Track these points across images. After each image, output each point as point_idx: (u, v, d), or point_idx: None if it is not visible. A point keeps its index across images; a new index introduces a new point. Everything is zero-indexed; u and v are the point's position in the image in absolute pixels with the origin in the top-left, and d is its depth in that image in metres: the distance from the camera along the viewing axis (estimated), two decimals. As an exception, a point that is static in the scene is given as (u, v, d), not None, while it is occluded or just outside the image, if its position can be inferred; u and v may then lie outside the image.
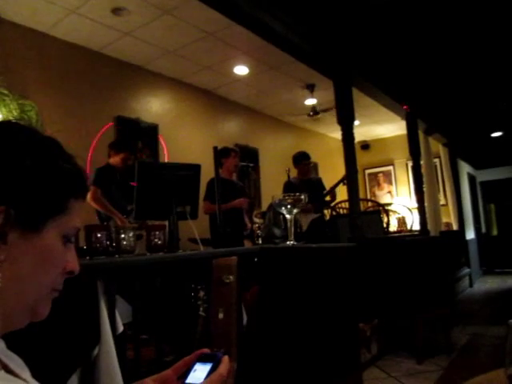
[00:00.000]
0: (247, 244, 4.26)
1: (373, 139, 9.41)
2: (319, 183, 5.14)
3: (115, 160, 3.90)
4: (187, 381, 0.66)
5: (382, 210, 6.27)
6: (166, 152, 5.36)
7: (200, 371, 0.66)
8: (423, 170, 6.13)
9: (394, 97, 5.09)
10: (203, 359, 0.69)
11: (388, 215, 6.55)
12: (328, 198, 5.04)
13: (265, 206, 6.27)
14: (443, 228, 7.01)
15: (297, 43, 3.53)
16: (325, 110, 6.50)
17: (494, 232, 10.80)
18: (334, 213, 5.88)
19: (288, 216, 2.55)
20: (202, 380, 0.64)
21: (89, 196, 3.53)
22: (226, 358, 0.68)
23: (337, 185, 4.87)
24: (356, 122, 4.40)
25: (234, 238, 3.93)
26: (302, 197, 2.53)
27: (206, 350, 0.71)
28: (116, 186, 3.82)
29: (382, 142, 9.37)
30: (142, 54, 4.93)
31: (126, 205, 3.72)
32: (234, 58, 5.21)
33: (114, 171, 3.87)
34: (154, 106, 5.44)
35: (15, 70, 3.92)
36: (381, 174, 9.42)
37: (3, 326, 0.55)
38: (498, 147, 8.34)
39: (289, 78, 5.82)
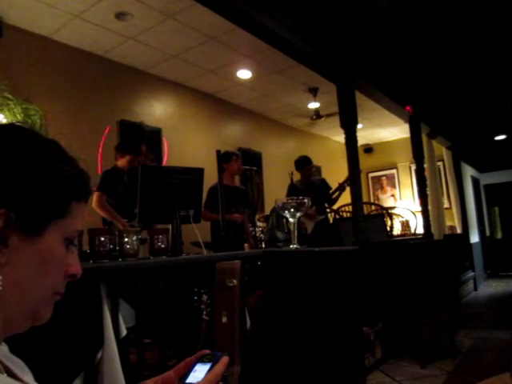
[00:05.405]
0: (246, 248, 4.25)
1: (376, 143, 9.41)
2: (323, 184, 5.13)
3: (122, 162, 3.89)
4: (187, 381, 0.66)
5: (385, 213, 6.24)
6: (168, 156, 5.37)
7: (199, 371, 0.66)
8: (427, 174, 6.11)
9: (397, 100, 5.09)
10: (203, 359, 0.69)
11: (391, 219, 6.53)
12: (335, 195, 5.01)
13: (268, 209, 6.26)
14: (447, 231, 6.97)
15: (300, 47, 3.54)
16: (329, 115, 6.50)
17: (499, 235, 10.75)
18: (337, 216, 5.87)
19: (291, 219, 2.54)
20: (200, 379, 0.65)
21: (94, 202, 3.52)
22: (224, 359, 0.68)
23: (344, 184, 4.84)
24: (359, 126, 4.39)
25: (234, 242, 3.92)
26: (306, 200, 2.53)
27: (207, 351, 0.71)
28: (123, 189, 3.82)
29: (385, 145, 9.36)
30: (146, 58, 4.95)
31: (132, 208, 3.70)
32: (237, 62, 5.22)
33: (121, 174, 3.86)
34: (157, 110, 5.46)
35: (19, 74, 3.94)
36: (384, 178, 9.40)
37: (5, 329, 0.55)
38: (501, 150, 8.33)
39: (292, 81, 5.82)
